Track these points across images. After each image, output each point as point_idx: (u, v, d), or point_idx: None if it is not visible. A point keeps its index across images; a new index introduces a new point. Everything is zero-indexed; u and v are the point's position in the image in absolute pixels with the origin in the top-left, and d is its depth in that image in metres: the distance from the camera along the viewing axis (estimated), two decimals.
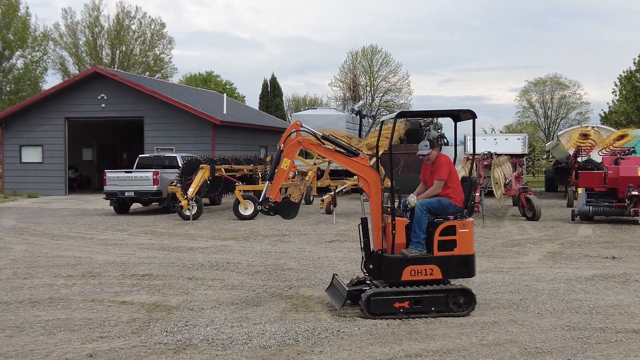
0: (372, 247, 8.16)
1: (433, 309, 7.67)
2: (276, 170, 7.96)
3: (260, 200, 7.94)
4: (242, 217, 18.99)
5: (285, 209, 8.02)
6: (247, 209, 19.16)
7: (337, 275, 8.73)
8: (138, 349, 6.54)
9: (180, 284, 9.75)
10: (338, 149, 8.22)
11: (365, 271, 8.17)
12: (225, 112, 32.66)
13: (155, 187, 20.81)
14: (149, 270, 10.91)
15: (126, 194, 20.99)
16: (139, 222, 18.89)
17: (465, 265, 7.90)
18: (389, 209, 8.02)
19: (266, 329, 7.17)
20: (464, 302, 7.76)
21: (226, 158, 21.67)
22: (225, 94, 37.02)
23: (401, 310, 7.61)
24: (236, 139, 31.97)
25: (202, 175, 19.13)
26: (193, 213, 18.71)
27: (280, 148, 8.02)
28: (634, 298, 8.56)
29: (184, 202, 18.65)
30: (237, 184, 20.26)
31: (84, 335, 7.05)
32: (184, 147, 28.20)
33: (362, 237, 8.18)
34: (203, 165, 19.41)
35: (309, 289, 9.30)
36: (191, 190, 18.66)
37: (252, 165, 21.51)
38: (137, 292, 9.18)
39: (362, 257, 8.21)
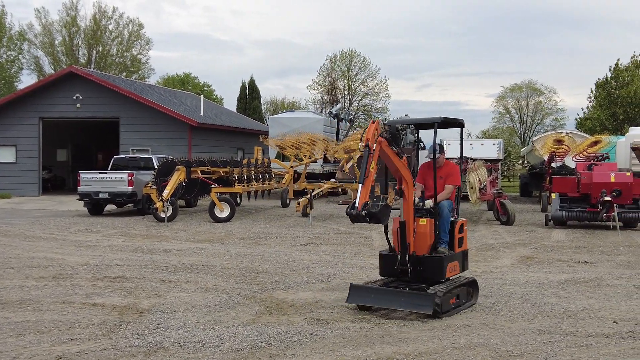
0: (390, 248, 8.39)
1: (464, 301, 8.30)
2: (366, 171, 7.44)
3: (354, 206, 7.30)
4: (217, 220, 18.90)
5: (384, 213, 7.39)
6: (223, 211, 19.08)
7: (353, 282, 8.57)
8: (108, 352, 6.47)
9: (153, 286, 9.67)
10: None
11: (400, 274, 8.11)
12: (202, 113, 32.53)
13: (130, 189, 20.65)
14: (122, 272, 10.81)
15: (100, 195, 20.80)
16: (113, 223, 18.72)
17: (467, 260, 8.82)
18: (424, 211, 8.30)
19: (239, 331, 7.13)
20: (472, 292, 8.53)
21: (202, 160, 21.56)
22: (202, 96, 36.88)
23: (452, 306, 8.04)
24: (213, 141, 31.83)
25: (177, 177, 19.02)
26: (168, 215, 18.59)
27: (369, 148, 7.52)
28: (605, 302, 8.66)
29: (159, 204, 18.52)
30: (213, 186, 20.17)
31: (54, 337, 6.96)
32: (160, 149, 28.01)
33: (400, 241, 8.03)
34: (179, 166, 19.30)
35: (283, 292, 9.28)
36: (166, 192, 18.54)
37: (228, 167, 21.42)
38: (109, 294, 9.09)
39: (398, 260, 8.02)
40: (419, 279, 8.08)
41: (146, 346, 6.64)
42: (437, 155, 8.60)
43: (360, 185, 7.34)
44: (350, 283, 8.27)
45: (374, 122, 7.68)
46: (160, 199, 18.51)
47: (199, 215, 20.87)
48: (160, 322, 7.57)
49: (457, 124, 8.97)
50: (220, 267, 11.26)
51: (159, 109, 29.36)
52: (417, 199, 8.48)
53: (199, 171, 20.12)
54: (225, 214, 19.06)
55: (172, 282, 9.99)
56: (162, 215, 18.54)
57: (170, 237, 15.51)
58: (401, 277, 8.17)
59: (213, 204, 19.16)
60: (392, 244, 8.37)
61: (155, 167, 20.72)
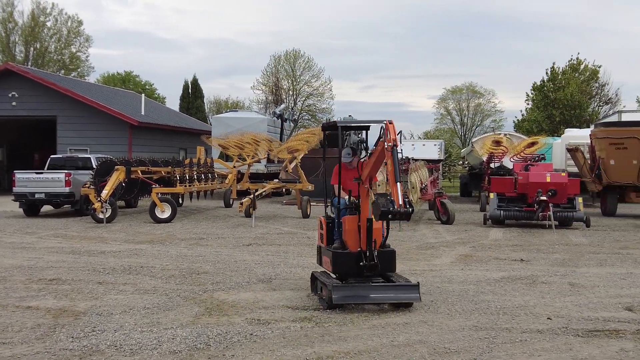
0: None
1: None
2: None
3: (398, 205, 7.42)
4: (158, 220, 18.62)
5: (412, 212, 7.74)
6: (164, 212, 18.81)
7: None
8: (41, 356, 6.28)
9: (90, 288, 9.45)
10: None
11: (367, 269, 8.26)
12: (143, 112, 32.01)
13: (67, 189, 20.14)
14: (58, 274, 10.53)
15: (36, 195, 20.21)
16: (49, 224, 18.23)
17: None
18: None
19: (177, 333, 7.03)
20: None
21: (143, 160, 21.21)
22: (143, 94, 36.28)
23: None
24: (155, 141, 31.36)
25: (117, 177, 18.66)
26: (107, 216, 18.21)
27: (398, 147, 7.82)
28: (540, 299, 8.89)
29: (97, 205, 18.12)
30: (154, 186, 19.85)
31: None
32: (99, 148, 27.42)
33: (367, 237, 8.29)
34: (118, 166, 18.94)
35: (224, 292, 9.20)
36: (105, 193, 18.17)
37: (170, 167, 21.13)
38: (43, 297, 8.84)
39: (367, 256, 8.25)
40: (374, 273, 8.36)
41: (81, 349, 6.48)
42: (349, 159, 9.06)
43: (398, 183, 7.55)
44: (332, 285, 8.12)
45: (391, 123, 7.92)
46: (99, 199, 18.12)
47: (140, 216, 20.52)
48: (96, 324, 7.40)
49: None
50: (160, 269, 11.09)
51: (98, 107, 28.76)
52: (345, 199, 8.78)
53: (139, 171, 19.79)
54: (166, 214, 18.79)
55: (110, 284, 9.79)
56: (101, 216, 18.16)
57: (108, 239, 15.20)
58: (367, 273, 8.30)
59: (154, 205, 18.87)
60: (346, 242, 8.44)
61: (94, 167, 20.29)
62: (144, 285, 9.71)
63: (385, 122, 7.90)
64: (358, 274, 8.37)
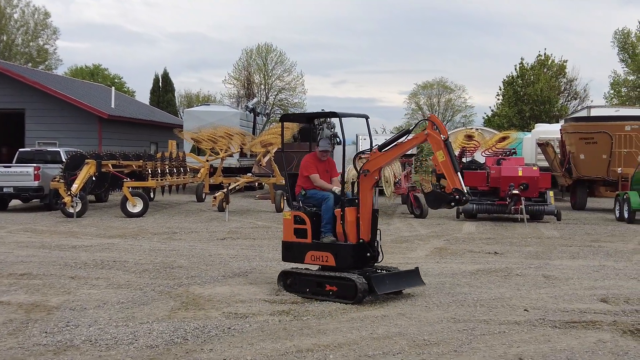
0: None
1: None
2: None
3: (461, 193, 7.83)
4: (130, 215, 18.37)
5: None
6: (136, 206, 18.57)
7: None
8: (14, 351, 6.13)
9: (62, 283, 9.26)
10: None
11: (370, 260, 8.42)
12: (113, 105, 31.58)
13: (36, 183, 19.77)
14: (28, 269, 10.31)
15: (5, 190, 19.79)
16: (18, 219, 17.88)
17: None
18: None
19: (153, 328, 6.92)
20: None
21: (114, 153, 20.92)
22: (113, 88, 35.78)
23: None
24: (125, 134, 30.98)
25: (87, 170, 18.36)
26: (77, 210, 17.91)
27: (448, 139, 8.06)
28: (515, 291, 8.94)
29: (67, 199, 17.81)
30: (125, 180, 19.58)
31: None
32: (68, 142, 26.99)
33: (372, 228, 8.39)
34: (88, 160, 18.64)
35: (200, 286, 9.09)
36: (75, 187, 17.87)
37: (141, 161, 20.85)
38: (14, 292, 8.64)
39: (370, 248, 8.38)
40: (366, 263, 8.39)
41: (55, 345, 6.34)
42: (329, 148, 9.13)
43: (459, 173, 7.93)
44: (370, 277, 8.11)
45: (436, 117, 8.31)
46: (69, 193, 17.81)
47: (111, 211, 20.23)
48: (70, 319, 7.25)
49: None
50: (133, 263, 10.93)
51: (67, 100, 28.30)
52: (336, 190, 8.63)
53: (109, 165, 19.51)
54: (138, 208, 18.56)
55: (82, 278, 9.61)
56: (71, 210, 17.85)
57: (79, 233, 14.95)
58: (370, 264, 8.42)
59: (125, 199, 18.61)
60: (347, 235, 8.32)
61: (63, 160, 19.95)
62: (118, 279, 9.55)
63: (430, 116, 8.40)
64: (358, 265, 8.34)
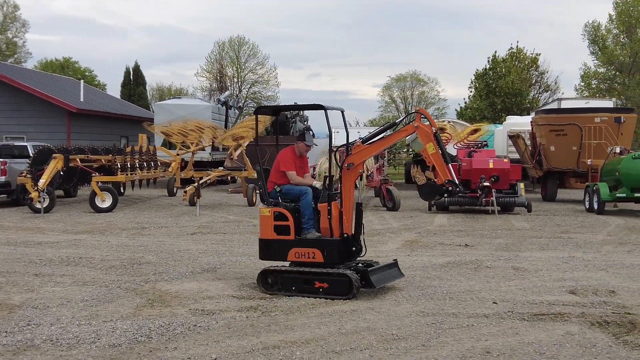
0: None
1: None
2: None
3: (454, 184, 8.00)
4: (98, 210, 18.09)
5: None
6: (105, 201, 18.28)
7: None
8: None
9: (26, 280, 9.05)
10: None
11: (355, 254, 8.42)
12: (82, 99, 31.11)
13: (3, 178, 19.36)
14: None
15: None
16: None
17: None
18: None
19: (117, 326, 6.77)
20: None
21: (82, 148, 20.57)
22: (82, 81, 35.21)
23: None
24: (95, 128, 30.54)
25: (54, 165, 18.03)
26: (44, 205, 17.59)
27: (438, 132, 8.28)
28: (485, 284, 8.93)
29: (34, 194, 17.48)
30: (93, 174, 19.28)
31: None
32: (36, 136, 26.52)
33: (356, 222, 8.36)
34: (56, 154, 18.31)
35: (167, 283, 8.94)
36: (42, 181, 17.54)
37: (110, 155, 20.54)
38: None
39: (364, 242, 8.42)
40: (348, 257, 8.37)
41: (15, 344, 6.16)
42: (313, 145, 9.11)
43: (449, 165, 8.12)
44: (367, 270, 8.17)
45: (424, 110, 8.55)
46: (36, 188, 17.48)
47: (79, 206, 19.91)
48: (31, 318, 7.06)
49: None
50: (99, 259, 10.73)
51: (35, 94, 27.80)
52: (319, 185, 8.57)
53: (78, 159, 19.18)
54: (107, 203, 18.27)
55: (47, 275, 9.40)
56: (38, 205, 17.53)
57: (46, 229, 14.67)
58: (354, 258, 8.41)
59: (94, 194, 18.32)
60: (333, 230, 8.21)
61: (31, 155, 19.57)
62: (83, 276, 9.36)
63: (418, 109, 8.55)
64: (343, 260, 8.28)
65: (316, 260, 8.18)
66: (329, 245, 8.18)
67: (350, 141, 8.44)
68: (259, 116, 9.24)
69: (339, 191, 8.31)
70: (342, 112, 8.91)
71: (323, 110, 8.38)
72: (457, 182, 8.08)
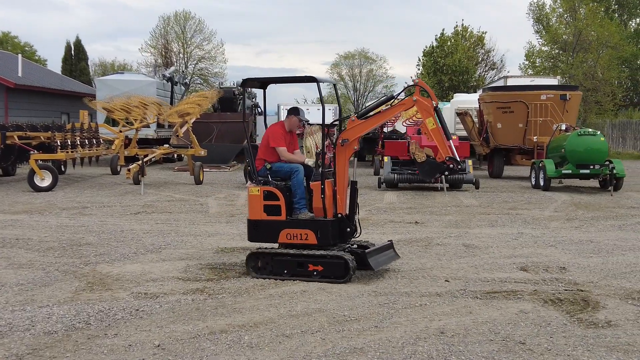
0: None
1: None
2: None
3: (455, 161, 7.78)
4: (37, 189, 17.36)
5: None
6: (44, 179, 17.55)
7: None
8: None
9: None
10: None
11: (349, 235, 8.07)
12: (20, 74, 29.89)
13: None
14: None
15: None
16: None
17: None
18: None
19: (53, 311, 6.38)
20: None
21: (20, 124, 19.71)
22: (20, 55, 33.80)
23: None
24: (34, 104, 29.43)
25: None
26: None
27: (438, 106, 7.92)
28: (436, 261, 8.83)
29: None
30: (32, 152, 18.49)
31: None
32: None
33: (350, 202, 8.10)
34: None
35: (109, 265, 8.55)
36: None
37: (50, 132, 19.73)
38: None
39: (358, 221, 8.12)
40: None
41: None
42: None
43: (450, 140, 7.80)
44: (365, 252, 7.83)
45: (424, 83, 8.08)
46: None
47: (18, 185, 19.11)
48: None
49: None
50: (37, 241, 10.22)
51: None
52: (311, 162, 8.30)
53: (15, 136, 18.36)
54: (46, 182, 17.55)
55: None
56: None
57: None
58: (348, 239, 8.08)
59: (32, 172, 17.57)
60: (327, 210, 7.83)
61: None
62: (19, 259, 8.88)
63: (415, 80, 8.06)
64: (337, 241, 7.95)
65: (309, 242, 7.80)
66: (323, 226, 7.79)
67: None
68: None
69: (332, 169, 8.01)
70: (335, 85, 8.61)
71: (315, 83, 8.04)
72: (458, 159, 7.78)
